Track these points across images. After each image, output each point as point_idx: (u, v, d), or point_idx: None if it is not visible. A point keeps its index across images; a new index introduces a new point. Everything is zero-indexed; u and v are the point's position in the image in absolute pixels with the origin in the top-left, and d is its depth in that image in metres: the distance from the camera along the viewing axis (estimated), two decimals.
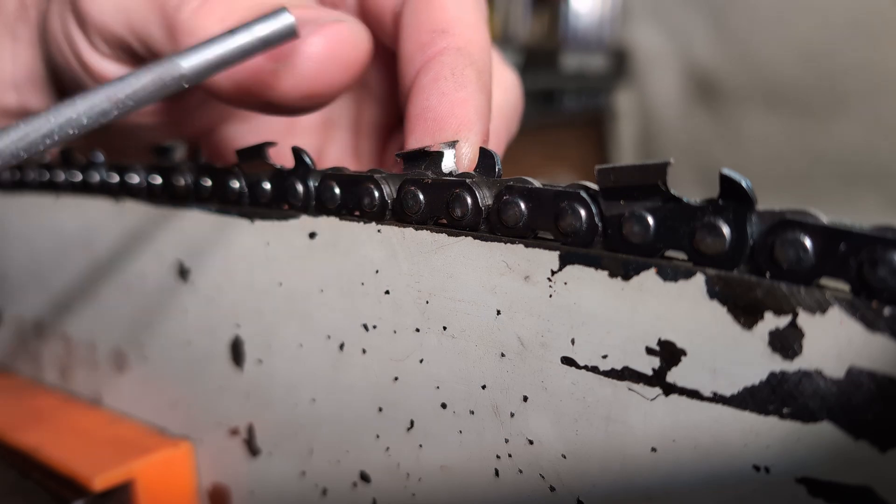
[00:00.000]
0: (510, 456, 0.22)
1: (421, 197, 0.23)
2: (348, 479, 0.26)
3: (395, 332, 0.24)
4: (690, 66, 1.38)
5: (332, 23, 0.26)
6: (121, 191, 0.32)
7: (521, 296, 0.21)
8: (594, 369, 0.20)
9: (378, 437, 0.25)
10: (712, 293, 0.18)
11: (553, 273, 0.20)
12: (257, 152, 0.27)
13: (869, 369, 0.16)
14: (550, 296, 0.20)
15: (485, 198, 0.22)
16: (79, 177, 0.34)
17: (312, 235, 0.26)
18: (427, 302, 0.23)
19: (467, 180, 0.22)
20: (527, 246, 0.21)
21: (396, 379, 0.24)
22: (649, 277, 0.19)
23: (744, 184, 0.17)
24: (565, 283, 0.20)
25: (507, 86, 0.32)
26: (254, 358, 0.28)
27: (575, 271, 0.20)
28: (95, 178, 0.33)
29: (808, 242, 0.16)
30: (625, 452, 0.20)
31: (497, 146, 0.30)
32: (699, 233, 0.18)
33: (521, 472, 0.22)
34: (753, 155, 1.31)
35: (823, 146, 1.23)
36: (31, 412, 0.35)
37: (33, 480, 0.30)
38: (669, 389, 0.19)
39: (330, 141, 0.36)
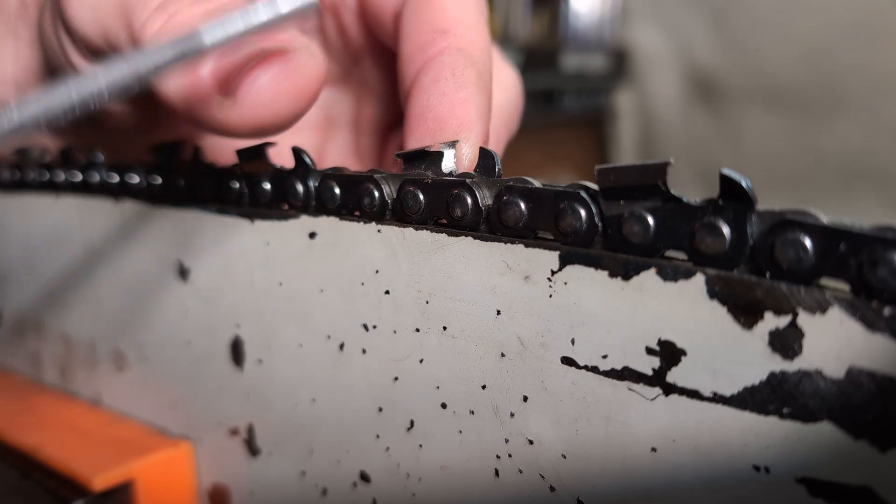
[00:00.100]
0: (510, 456, 0.22)
1: (421, 197, 0.23)
2: (348, 479, 0.26)
3: (395, 332, 0.24)
4: (690, 66, 1.38)
5: (279, 53, 0.24)
6: (121, 191, 0.32)
7: (521, 296, 0.21)
8: (594, 369, 0.20)
9: (378, 437, 0.25)
10: (712, 293, 0.18)
11: (553, 273, 0.20)
12: (257, 152, 0.27)
13: (869, 369, 0.16)
14: (550, 296, 0.20)
15: (485, 198, 0.22)
16: (79, 177, 0.34)
17: (312, 235, 0.26)
18: (427, 302, 0.23)
19: (467, 180, 0.22)
20: (527, 246, 0.21)
21: (396, 379, 0.24)
22: (649, 277, 0.19)
23: (744, 184, 0.17)
24: (565, 283, 0.20)
25: (507, 84, 0.32)
26: (254, 358, 0.28)
27: (575, 271, 0.20)
28: (95, 178, 0.33)
29: (808, 242, 0.16)
30: (625, 452, 0.20)
31: (497, 144, 0.30)
32: (699, 233, 0.18)
33: (521, 472, 0.22)
34: (753, 155, 1.31)
35: (823, 146, 1.23)
36: (31, 412, 0.35)
37: (33, 480, 0.30)
38: (669, 389, 0.19)
39: (330, 140, 0.36)
